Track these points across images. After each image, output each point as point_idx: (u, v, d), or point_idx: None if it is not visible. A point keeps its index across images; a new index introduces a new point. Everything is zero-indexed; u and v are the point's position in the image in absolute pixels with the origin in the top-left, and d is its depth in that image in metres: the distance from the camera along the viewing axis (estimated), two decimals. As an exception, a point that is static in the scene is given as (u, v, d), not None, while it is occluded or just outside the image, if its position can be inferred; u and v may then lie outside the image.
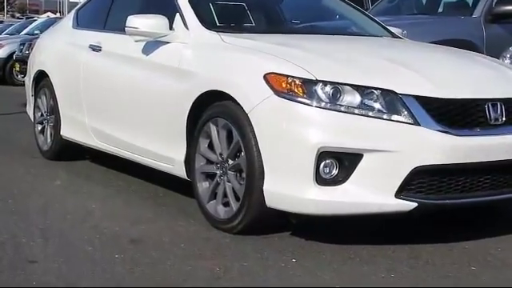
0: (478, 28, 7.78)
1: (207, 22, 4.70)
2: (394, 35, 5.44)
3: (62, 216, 4.47)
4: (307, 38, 4.78)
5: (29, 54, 14.54)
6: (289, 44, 4.32)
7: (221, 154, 4.16)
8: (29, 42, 14.98)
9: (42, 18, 22.15)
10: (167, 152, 4.62)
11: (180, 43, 4.64)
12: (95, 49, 5.56)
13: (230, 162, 4.09)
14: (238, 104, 3.96)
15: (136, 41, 4.81)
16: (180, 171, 4.53)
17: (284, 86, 3.78)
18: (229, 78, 4.09)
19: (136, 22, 4.72)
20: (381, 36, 5.33)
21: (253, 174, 3.86)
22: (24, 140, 7.49)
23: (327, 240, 3.95)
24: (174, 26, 4.73)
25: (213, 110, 4.19)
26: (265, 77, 3.85)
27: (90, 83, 5.62)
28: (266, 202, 3.83)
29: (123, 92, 5.12)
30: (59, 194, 5.17)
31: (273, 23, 5.46)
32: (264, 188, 3.81)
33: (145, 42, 4.87)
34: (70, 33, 6.24)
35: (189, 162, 4.45)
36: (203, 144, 4.30)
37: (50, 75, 6.30)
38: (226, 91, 4.04)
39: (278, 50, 4.13)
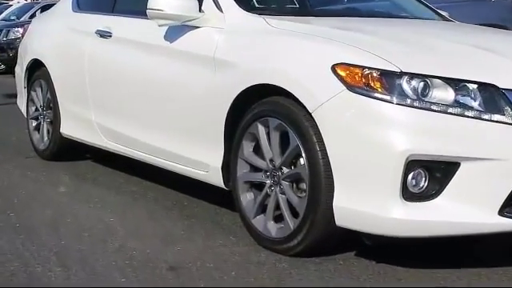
0: (510, 12, 7.21)
1: (244, 3, 3.98)
2: (444, 18, 4.78)
3: (78, 233, 3.76)
4: (365, 22, 4.09)
5: (7, 40, 13.86)
6: (351, 28, 3.64)
7: (271, 161, 3.48)
8: (7, 29, 14.17)
9: (19, 3, 21.17)
10: (199, 156, 3.92)
11: (212, 28, 3.93)
12: (103, 35, 4.83)
13: (285, 170, 3.41)
14: (297, 101, 3.27)
15: (160, 25, 4.08)
16: (216, 179, 3.85)
17: (358, 80, 3.10)
18: (283, 69, 3.39)
19: (160, 3, 3.98)
20: (433, 19, 4.66)
21: (318, 185, 3.19)
22: (13, 136, 6.76)
23: (400, 262, 3.29)
24: (202, 7, 4.02)
25: (261, 108, 3.50)
26: (333, 68, 3.16)
27: (97, 74, 4.89)
28: (336, 221, 3.16)
29: (141, 85, 4.40)
30: (66, 203, 4.44)
31: (314, 5, 4.73)
32: (334, 203, 3.14)
33: (167, 27, 4.16)
34: (69, 17, 5.49)
35: (227, 168, 3.77)
36: (247, 148, 3.62)
37: (47, 65, 5.55)
38: (281, 85, 3.34)
39: (343, 35, 3.44)
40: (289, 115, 3.33)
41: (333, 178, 3.14)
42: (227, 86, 3.67)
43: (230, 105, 3.65)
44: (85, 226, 3.88)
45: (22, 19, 16.64)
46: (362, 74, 3.09)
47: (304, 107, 3.24)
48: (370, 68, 3.08)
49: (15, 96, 6.38)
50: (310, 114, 3.21)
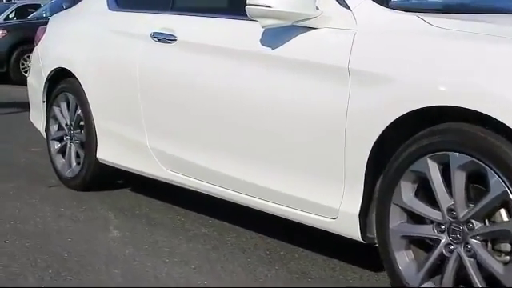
0: None
1: (375, -3, 3.04)
2: None
3: (172, 308, 2.80)
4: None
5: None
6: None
7: (451, 211, 2.55)
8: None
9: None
10: (323, 198, 2.98)
11: (338, 29, 2.99)
12: (163, 38, 3.84)
13: (477, 225, 2.48)
14: (500, 129, 2.35)
15: (264, 26, 3.12)
16: (348, 228, 2.91)
17: None
18: (480, 86, 2.43)
19: (268, -2, 3.03)
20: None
21: (545, 251, 2.27)
22: (20, 157, 5.76)
23: None
24: (316, 3, 3.07)
25: (435, 139, 2.56)
26: None
27: (155, 88, 3.90)
28: None
29: (226, 102, 3.43)
30: (132, 256, 3.42)
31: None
32: None
33: (263, 30, 3.20)
34: (107, 16, 4.48)
35: (365, 215, 2.84)
36: (407, 191, 2.68)
37: (77, 75, 4.55)
38: (479, 110, 2.39)
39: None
40: (487, 150, 2.40)
41: None
42: (374, 107, 2.73)
43: (380, 133, 2.71)
44: (175, 295, 2.91)
45: (-3, 21, 15.47)
46: None
47: (514, 139, 2.32)
48: None
49: (7, 105, 5.33)
50: (527, 150, 2.30)
